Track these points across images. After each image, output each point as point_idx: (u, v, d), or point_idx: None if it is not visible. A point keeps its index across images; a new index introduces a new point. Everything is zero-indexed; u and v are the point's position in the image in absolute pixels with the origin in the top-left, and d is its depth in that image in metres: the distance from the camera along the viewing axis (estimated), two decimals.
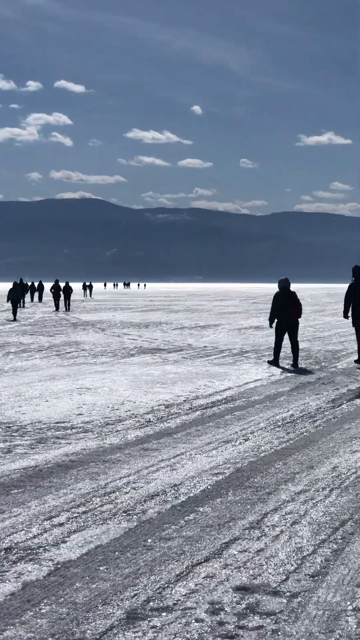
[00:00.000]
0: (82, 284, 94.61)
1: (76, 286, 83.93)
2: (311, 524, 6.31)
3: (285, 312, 18.10)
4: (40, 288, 69.59)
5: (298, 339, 18.37)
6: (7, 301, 41.25)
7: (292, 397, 13.27)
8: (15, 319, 38.88)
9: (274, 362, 18.01)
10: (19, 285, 42.89)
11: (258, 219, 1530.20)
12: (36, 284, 70.88)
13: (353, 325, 18.72)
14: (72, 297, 57.08)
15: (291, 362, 17.99)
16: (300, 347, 19.20)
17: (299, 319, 18.49)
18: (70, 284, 54.96)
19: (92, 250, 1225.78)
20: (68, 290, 52.45)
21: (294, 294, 18.38)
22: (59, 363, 18.68)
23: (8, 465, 8.34)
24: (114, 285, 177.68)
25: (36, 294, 69.91)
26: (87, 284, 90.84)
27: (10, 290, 41.39)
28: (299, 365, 17.78)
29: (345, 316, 18.87)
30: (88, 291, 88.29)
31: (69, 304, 52.04)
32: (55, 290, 52.10)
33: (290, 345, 18.28)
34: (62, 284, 53.77)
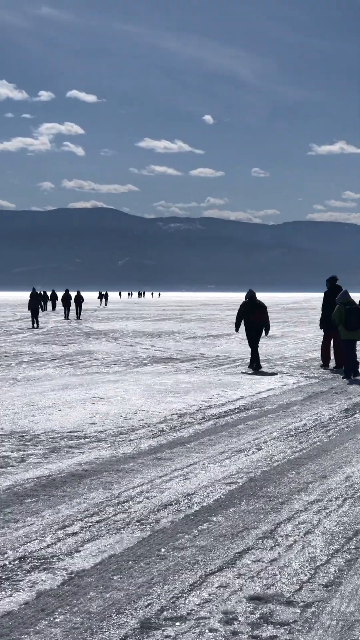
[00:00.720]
0: (98, 293, 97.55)
1: (90, 295, 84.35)
2: (324, 533, 6.31)
3: (251, 318, 19.90)
4: (53, 297, 70.11)
5: (259, 346, 20.11)
6: (29, 310, 43.07)
7: (305, 407, 13.26)
8: (36, 327, 40.93)
9: (253, 365, 19.49)
10: (38, 295, 44.46)
11: (270, 228, 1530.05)
12: (49, 293, 71.34)
13: (323, 329, 20.64)
14: (86, 306, 58.23)
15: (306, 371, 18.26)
16: (313, 356, 19.29)
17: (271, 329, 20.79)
18: (83, 294, 55.76)
19: (104, 259, 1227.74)
20: (79, 299, 53.56)
21: (260, 302, 20.13)
22: (71, 372, 18.72)
23: (22, 474, 8.37)
24: (129, 294, 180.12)
25: (49, 303, 70.39)
26: (104, 293, 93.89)
27: (30, 300, 43.15)
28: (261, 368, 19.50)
29: (322, 327, 20.84)
30: (104, 300, 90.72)
31: (79, 313, 53.24)
32: (66, 299, 53.03)
33: (252, 353, 19.68)
34: (73, 294, 54.50)
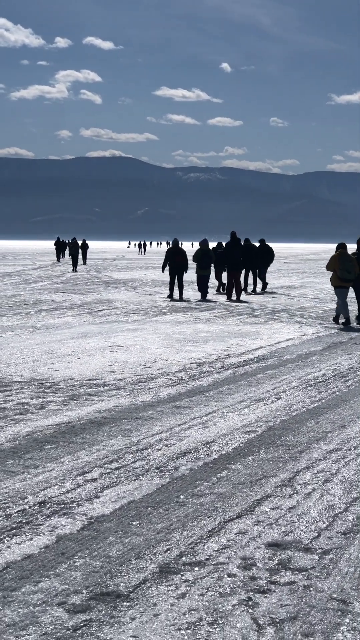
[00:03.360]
0: (137, 242, 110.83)
1: (109, 245, 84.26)
2: (343, 482, 6.32)
3: (174, 260, 25.91)
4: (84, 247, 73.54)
5: (183, 282, 26.57)
6: (69, 256, 50.45)
7: (324, 357, 13.23)
8: (74, 270, 46.62)
9: (170, 296, 25.93)
10: (77, 243, 50.99)
11: (290, 178, 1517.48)
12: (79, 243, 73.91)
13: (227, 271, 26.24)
14: (106, 255, 61.64)
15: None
16: (332, 307, 19.25)
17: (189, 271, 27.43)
18: (103, 243, 58.41)
19: (123, 209, 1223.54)
20: (85, 247, 60.66)
21: (182, 249, 26.24)
22: (91, 321, 18.75)
23: (41, 421, 8.41)
24: (158, 244, 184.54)
25: (67, 252, 71.84)
26: (142, 242, 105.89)
27: (70, 247, 50.71)
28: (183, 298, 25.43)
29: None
30: (143, 249, 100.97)
31: (85, 259, 60.39)
32: (74, 247, 57.71)
33: (178, 287, 25.79)
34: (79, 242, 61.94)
